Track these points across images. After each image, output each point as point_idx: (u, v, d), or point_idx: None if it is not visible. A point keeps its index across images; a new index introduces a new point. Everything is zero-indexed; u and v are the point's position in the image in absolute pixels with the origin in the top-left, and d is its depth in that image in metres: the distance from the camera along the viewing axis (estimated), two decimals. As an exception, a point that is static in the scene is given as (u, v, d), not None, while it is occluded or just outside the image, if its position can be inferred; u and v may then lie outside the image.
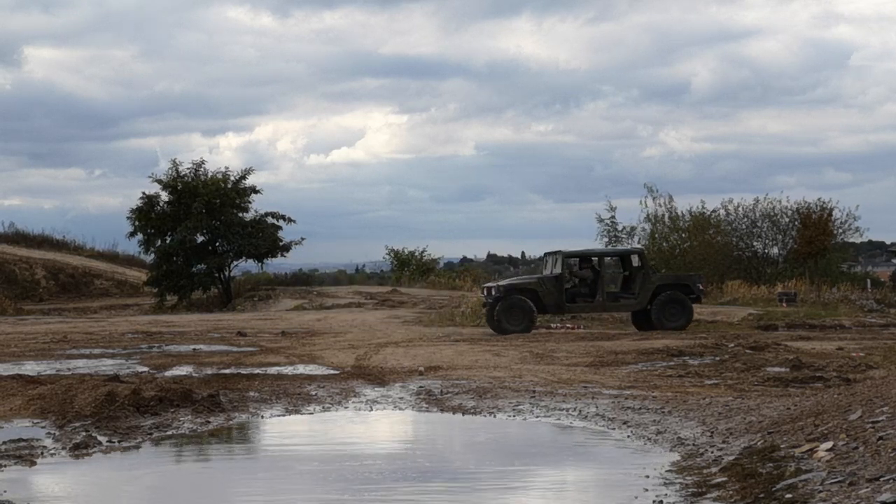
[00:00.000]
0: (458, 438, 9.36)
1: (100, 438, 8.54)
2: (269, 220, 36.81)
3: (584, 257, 22.04)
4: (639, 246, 22.57)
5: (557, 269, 21.35)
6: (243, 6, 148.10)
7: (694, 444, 7.98)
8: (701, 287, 21.95)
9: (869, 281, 37.76)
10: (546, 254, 22.73)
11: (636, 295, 21.33)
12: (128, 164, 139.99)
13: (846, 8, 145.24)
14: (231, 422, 9.72)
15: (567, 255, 21.64)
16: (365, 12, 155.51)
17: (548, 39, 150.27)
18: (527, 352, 15.94)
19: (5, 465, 7.53)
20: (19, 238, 45.65)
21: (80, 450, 8.12)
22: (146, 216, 35.79)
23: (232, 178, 36.38)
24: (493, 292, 21.08)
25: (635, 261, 21.98)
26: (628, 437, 8.68)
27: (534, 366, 14.01)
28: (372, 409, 10.43)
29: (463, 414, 10.10)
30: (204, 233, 36.09)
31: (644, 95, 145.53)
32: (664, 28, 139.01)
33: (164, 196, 36.02)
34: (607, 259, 23.68)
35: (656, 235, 40.64)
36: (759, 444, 7.30)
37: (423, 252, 44.83)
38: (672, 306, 21.11)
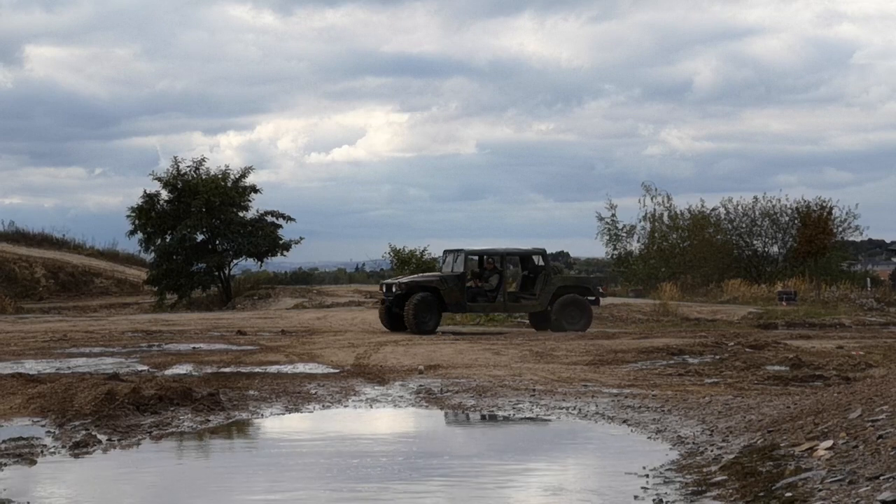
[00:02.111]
0: (458, 437, 9.37)
1: (100, 437, 8.54)
2: (269, 218, 36.81)
3: (488, 256, 21.90)
4: (541, 247, 22.42)
5: (459, 268, 21.31)
6: (245, 5, 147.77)
7: (694, 443, 7.99)
8: (601, 290, 22.16)
9: (869, 280, 37.77)
10: (446, 251, 22.62)
11: (537, 296, 21.30)
12: (128, 163, 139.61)
13: (849, 7, 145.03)
14: (231, 420, 9.72)
15: (469, 254, 21.63)
16: (367, 11, 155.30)
17: (550, 38, 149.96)
18: (526, 350, 15.95)
19: (5, 464, 7.53)
20: (19, 237, 45.60)
21: (80, 448, 8.12)
22: (146, 215, 35.77)
23: (232, 177, 36.39)
24: (394, 289, 21.06)
25: (538, 261, 21.83)
26: (628, 435, 8.68)
27: (533, 364, 14.01)
28: (372, 408, 10.44)
29: (463, 412, 10.11)
30: (204, 231, 36.09)
31: (646, 94, 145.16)
32: (666, 27, 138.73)
33: (165, 194, 36.04)
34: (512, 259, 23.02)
35: (656, 234, 40.73)
36: (759, 442, 7.30)
37: (424, 251, 44.74)
38: (571, 308, 21.09)
